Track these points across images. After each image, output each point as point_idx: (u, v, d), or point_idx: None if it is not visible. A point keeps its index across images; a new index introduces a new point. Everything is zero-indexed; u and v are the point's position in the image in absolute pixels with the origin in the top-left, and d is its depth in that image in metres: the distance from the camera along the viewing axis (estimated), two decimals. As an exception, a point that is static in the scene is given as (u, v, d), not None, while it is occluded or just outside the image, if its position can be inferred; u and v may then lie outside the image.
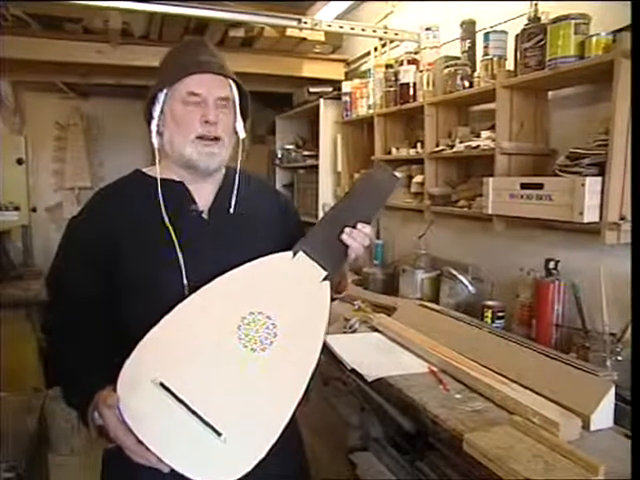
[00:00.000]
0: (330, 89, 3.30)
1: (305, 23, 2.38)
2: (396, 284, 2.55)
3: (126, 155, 4.38)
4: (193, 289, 1.06)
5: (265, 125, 4.38)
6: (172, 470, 0.93)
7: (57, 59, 2.90)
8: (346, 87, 2.97)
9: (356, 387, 1.68)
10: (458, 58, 2.12)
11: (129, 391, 0.96)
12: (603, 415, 1.26)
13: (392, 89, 2.51)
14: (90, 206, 1.19)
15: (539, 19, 1.68)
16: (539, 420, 1.24)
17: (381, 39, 2.79)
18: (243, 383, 1.00)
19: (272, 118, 4.11)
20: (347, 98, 2.96)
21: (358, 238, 1.11)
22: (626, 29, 1.42)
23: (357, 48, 3.26)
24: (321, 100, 3.25)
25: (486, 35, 1.95)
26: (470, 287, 2.10)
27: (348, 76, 3.36)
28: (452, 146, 2.12)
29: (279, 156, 3.98)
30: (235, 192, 1.22)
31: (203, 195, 1.20)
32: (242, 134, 1.23)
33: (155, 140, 1.17)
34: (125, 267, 1.12)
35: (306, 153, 3.65)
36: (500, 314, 1.89)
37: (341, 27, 2.46)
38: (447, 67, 2.09)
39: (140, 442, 0.93)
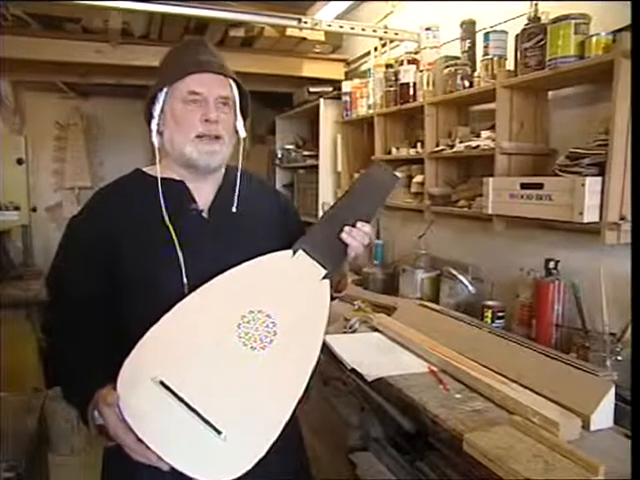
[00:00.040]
0: (330, 89, 3.30)
1: (305, 23, 2.38)
2: (396, 284, 2.55)
3: (126, 155, 4.38)
4: (193, 288, 1.07)
5: (265, 125, 4.38)
6: (172, 468, 0.93)
7: (57, 59, 2.90)
8: (346, 87, 2.97)
9: (356, 387, 1.68)
10: (458, 58, 2.12)
11: (129, 389, 0.96)
12: (603, 415, 1.26)
13: (392, 89, 2.51)
14: (90, 206, 1.19)
15: (539, 19, 1.68)
16: (539, 420, 1.24)
17: (381, 39, 2.79)
18: (243, 381, 1.00)
19: (272, 118, 4.11)
20: (347, 98, 2.96)
21: (358, 237, 1.11)
22: (626, 29, 1.42)
23: (357, 48, 3.26)
24: (321, 100, 3.25)
25: (486, 35, 1.95)
26: (470, 287, 2.10)
27: (348, 76, 3.36)
28: (452, 146, 2.12)
29: (279, 156, 3.98)
30: (237, 191, 1.22)
31: (203, 194, 1.20)
32: (242, 133, 1.23)
33: (155, 139, 1.17)
34: (125, 266, 1.12)
35: (306, 153, 3.65)
36: (500, 314, 1.89)
37: (341, 27, 2.46)
38: (447, 67, 2.09)
39: (140, 440, 0.93)
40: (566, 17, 1.53)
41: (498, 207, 1.78)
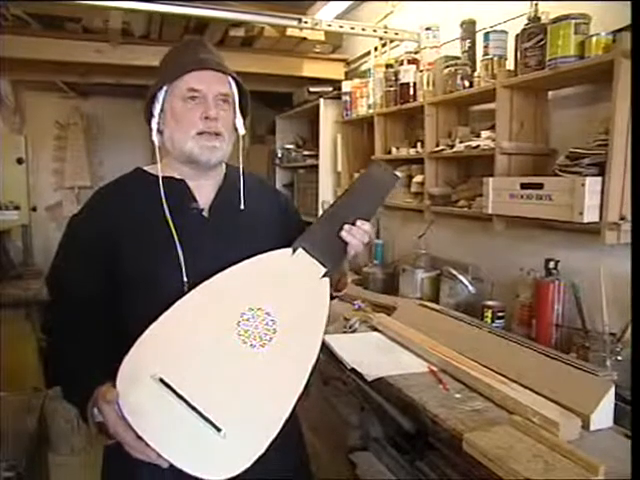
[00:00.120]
0: (330, 89, 3.30)
1: (305, 23, 2.38)
2: (396, 284, 2.55)
3: (126, 154, 4.38)
4: (193, 286, 1.07)
5: (265, 125, 4.39)
6: (171, 466, 0.93)
7: (57, 58, 2.90)
8: (346, 87, 2.97)
9: (356, 387, 1.68)
10: (458, 58, 2.12)
11: (128, 387, 0.96)
12: (603, 415, 1.26)
13: (392, 89, 2.51)
14: (90, 205, 1.20)
15: (539, 19, 1.68)
16: (539, 420, 1.24)
17: (381, 39, 2.79)
18: (243, 379, 1.00)
19: (272, 118, 4.11)
20: (347, 98, 2.96)
21: (357, 235, 1.11)
22: (626, 29, 1.42)
23: (357, 48, 3.27)
24: (321, 100, 3.26)
25: (486, 35, 1.95)
26: (470, 287, 2.10)
27: (348, 76, 3.36)
28: (452, 146, 2.12)
29: (279, 156, 3.98)
30: (238, 190, 1.23)
31: (204, 193, 1.20)
32: (242, 130, 1.23)
33: (156, 138, 1.17)
34: (125, 265, 1.12)
35: (306, 153, 3.65)
36: (500, 314, 1.89)
37: (341, 27, 2.46)
38: (447, 67, 2.09)
39: (140, 438, 0.93)
40: (566, 17, 1.53)
41: (498, 207, 1.78)
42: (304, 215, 1.48)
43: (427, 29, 2.39)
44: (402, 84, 2.41)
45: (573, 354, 1.55)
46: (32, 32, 2.79)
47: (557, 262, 1.71)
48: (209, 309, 1.04)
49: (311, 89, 3.38)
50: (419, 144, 2.36)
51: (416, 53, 2.46)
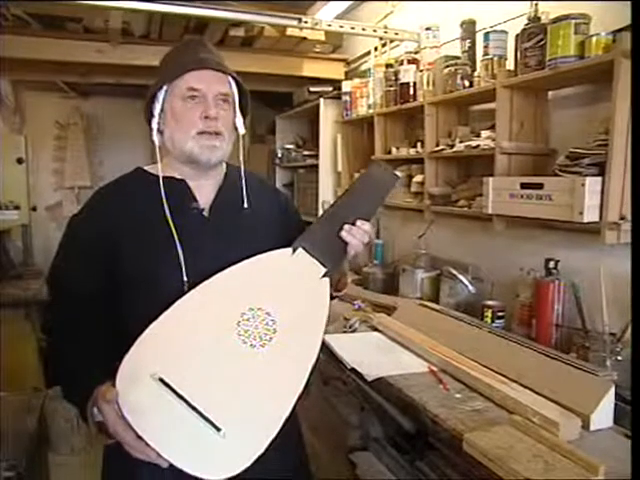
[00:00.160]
0: (330, 89, 3.30)
1: (305, 23, 2.38)
2: (396, 284, 2.55)
3: (126, 154, 4.39)
4: (193, 286, 1.07)
5: (265, 124, 4.39)
6: (171, 465, 0.93)
7: (57, 58, 2.90)
8: (346, 87, 2.97)
9: (356, 387, 1.68)
10: (458, 58, 2.12)
11: (128, 386, 0.96)
12: (603, 415, 1.26)
13: (392, 89, 2.51)
14: (91, 204, 1.20)
15: (539, 19, 1.68)
16: (539, 420, 1.24)
17: (381, 39, 2.79)
18: (242, 379, 1.00)
19: (272, 117, 4.11)
20: (347, 98, 2.96)
21: (357, 235, 1.11)
22: (626, 29, 1.42)
23: (357, 48, 3.27)
24: (321, 100, 3.26)
25: (486, 35, 1.95)
26: (470, 287, 2.10)
27: (348, 76, 3.36)
28: (452, 146, 2.12)
29: (279, 155, 3.98)
30: (239, 190, 1.23)
31: (204, 193, 1.20)
32: (242, 130, 1.23)
33: (156, 138, 1.17)
34: (125, 264, 1.12)
35: (306, 153, 3.65)
36: (500, 314, 1.89)
37: (341, 27, 2.46)
38: (447, 67, 2.09)
39: (139, 437, 0.93)
40: (566, 17, 1.53)
41: (498, 207, 1.78)
42: (304, 215, 1.48)
43: (427, 29, 2.39)
44: (402, 84, 2.41)
45: (573, 354, 1.55)
46: (32, 32, 2.79)
47: (557, 262, 1.71)
48: (209, 309, 1.04)
49: (311, 89, 3.38)
50: (419, 144, 2.36)
51: (416, 53, 2.46)
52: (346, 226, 1.11)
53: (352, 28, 2.50)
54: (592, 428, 1.25)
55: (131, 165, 1.26)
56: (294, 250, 1.11)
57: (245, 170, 1.27)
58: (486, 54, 1.94)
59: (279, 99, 3.88)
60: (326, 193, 3.34)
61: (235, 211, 1.21)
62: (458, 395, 1.45)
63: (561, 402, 1.30)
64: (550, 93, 1.85)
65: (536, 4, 1.69)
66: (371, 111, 2.74)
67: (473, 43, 2.09)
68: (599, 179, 1.46)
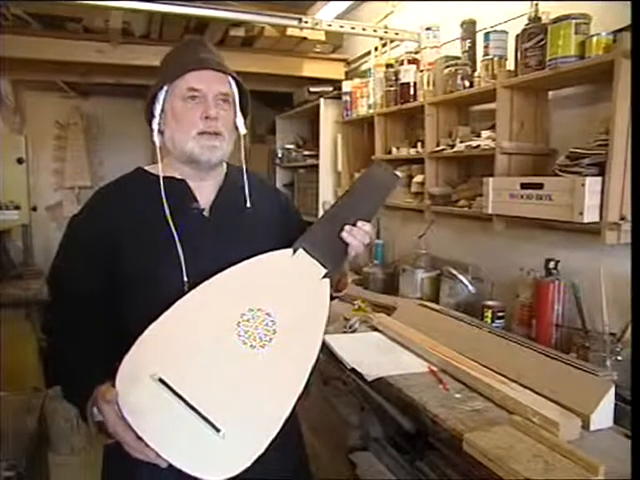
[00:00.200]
0: (330, 89, 3.30)
1: (306, 23, 2.38)
2: (396, 284, 2.55)
3: (126, 154, 4.38)
4: (193, 286, 1.07)
5: (265, 125, 4.39)
6: (171, 465, 0.93)
7: (57, 58, 2.90)
8: (346, 87, 2.97)
9: (356, 387, 1.68)
10: (458, 58, 2.12)
11: (128, 386, 0.96)
12: (603, 415, 1.26)
13: (392, 89, 2.51)
14: (91, 204, 1.20)
15: (539, 19, 1.68)
16: (539, 420, 1.24)
17: (381, 39, 2.79)
18: (242, 379, 1.00)
19: (272, 118, 4.11)
20: (347, 98, 2.96)
21: (358, 236, 1.11)
22: (626, 29, 1.42)
23: (357, 48, 3.27)
24: (321, 100, 3.25)
25: (486, 35, 1.95)
26: (470, 287, 2.10)
27: (348, 76, 3.36)
28: (452, 146, 2.12)
29: (279, 155, 3.98)
30: (239, 190, 1.23)
31: (204, 193, 1.20)
32: (243, 130, 1.23)
33: (157, 138, 1.17)
34: (126, 264, 1.12)
35: (306, 153, 3.65)
36: (500, 314, 1.89)
37: (341, 27, 2.46)
38: (447, 67, 2.09)
39: (139, 438, 0.93)
40: (566, 17, 1.53)
41: (498, 207, 1.78)
42: (304, 215, 1.48)
43: (427, 29, 2.39)
44: (402, 84, 2.41)
45: (573, 354, 1.55)
46: (32, 32, 2.79)
47: (557, 262, 1.71)
48: (209, 309, 1.04)
49: (311, 89, 3.38)
50: (419, 144, 2.36)
51: (416, 53, 2.46)
52: (347, 227, 1.11)
53: (352, 28, 2.50)
54: (592, 428, 1.25)
55: (131, 165, 1.26)
56: (294, 251, 1.11)
57: (246, 170, 1.27)
58: (486, 54, 1.94)
59: (279, 99, 3.88)
60: (326, 193, 3.34)
61: (235, 211, 1.21)
62: (458, 395, 1.45)
63: (561, 402, 1.30)
64: (550, 93, 1.85)
65: (536, 4, 1.69)
66: (371, 111, 2.73)
67: (473, 43, 2.09)
68: (599, 179, 1.46)
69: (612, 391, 1.27)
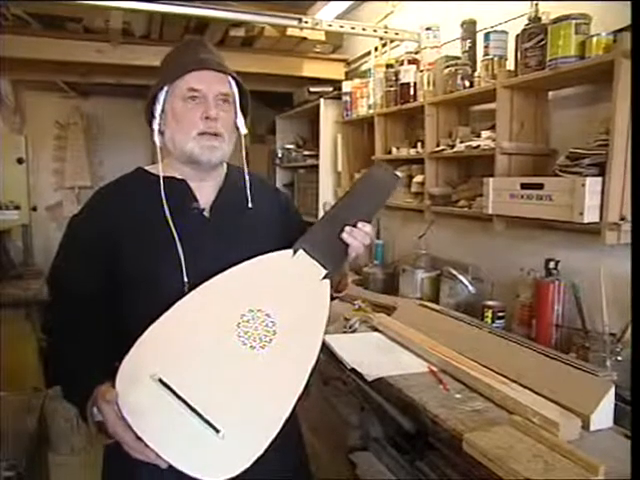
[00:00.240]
0: (330, 89, 3.30)
1: (306, 23, 2.38)
2: (396, 284, 2.55)
3: (126, 154, 4.39)
4: (193, 287, 1.07)
5: (265, 125, 4.38)
6: (171, 466, 0.93)
7: (57, 58, 2.90)
8: (346, 87, 2.97)
9: (356, 387, 1.68)
10: (458, 58, 2.12)
11: (128, 387, 0.96)
12: (603, 415, 1.26)
13: (392, 89, 2.51)
14: (91, 204, 1.20)
15: (540, 19, 1.68)
16: (539, 420, 1.24)
17: (381, 39, 2.79)
18: (242, 380, 1.00)
19: (272, 118, 4.11)
20: (347, 98, 2.96)
21: (358, 237, 1.11)
22: (626, 29, 1.42)
23: (357, 48, 3.27)
24: (321, 100, 3.25)
25: (486, 35, 1.95)
26: (470, 287, 2.10)
27: (348, 76, 3.36)
28: (452, 146, 2.12)
29: (279, 156, 3.98)
30: (240, 190, 1.23)
31: (205, 193, 1.20)
32: (243, 130, 1.23)
33: (157, 139, 1.17)
34: (126, 265, 1.12)
35: (306, 153, 3.65)
36: (500, 314, 1.89)
37: (341, 27, 2.46)
38: (447, 67, 2.09)
39: (139, 438, 0.93)
40: (567, 17, 1.53)
41: (498, 207, 1.78)
42: (304, 215, 1.48)
43: (427, 29, 2.39)
44: (402, 84, 2.41)
45: (573, 354, 1.55)
46: (32, 32, 2.79)
47: (557, 262, 1.71)
48: (209, 310, 1.04)
49: (311, 89, 3.38)
50: (419, 144, 2.36)
51: (416, 53, 2.46)
52: (347, 228, 1.11)
53: (352, 28, 2.50)
54: (592, 428, 1.25)
55: (131, 165, 1.26)
56: (295, 251, 1.11)
57: (247, 170, 1.27)
58: (486, 54, 1.94)
59: (279, 99, 3.88)
60: (326, 193, 3.34)
61: (236, 211, 1.21)
62: (458, 395, 1.45)
63: (561, 402, 1.30)
64: (550, 93, 1.85)
65: (536, 4, 1.69)
66: (371, 111, 2.73)
67: (473, 43, 2.09)
68: (599, 179, 1.46)
69: (612, 391, 1.27)
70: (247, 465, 0.94)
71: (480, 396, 1.44)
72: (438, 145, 2.21)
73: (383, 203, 1.23)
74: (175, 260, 1.10)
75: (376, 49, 2.90)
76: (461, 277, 2.11)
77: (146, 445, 0.93)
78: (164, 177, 1.17)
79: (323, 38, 3.12)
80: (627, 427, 1.25)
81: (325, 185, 3.35)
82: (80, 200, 4.33)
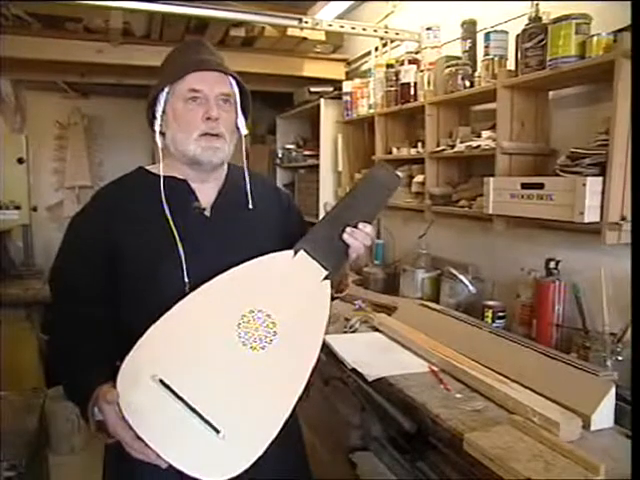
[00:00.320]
0: (331, 89, 3.30)
1: (306, 23, 2.38)
2: (397, 284, 2.55)
3: (126, 154, 4.38)
4: (194, 286, 1.07)
5: (266, 125, 4.38)
6: (171, 466, 0.93)
7: (58, 58, 2.90)
8: (347, 87, 2.97)
9: (357, 387, 1.68)
10: (459, 58, 2.12)
11: (129, 387, 0.96)
12: (603, 415, 1.26)
13: (393, 89, 2.51)
14: (92, 204, 1.20)
15: (540, 19, 1.68)
16: (539, 420, 1.24)
17: (382, 39, 2.79)
18: (242, 381, 1.00)
19: (273, 118, 4.11)
20: (348, 98, 2.96)
21: (359, 237, 1.11)
22: (626, 29, 1.42)
23: (358, 48, 3.27)
24: (322, 100, 3.25)
25: (487, 35, 1.95)
26: (470, 287, 2.10)
27: (349, 76, 3.36)
28: (453, 146, 2.12)
29: (280, 156, 3.98)
30: (241, 190, 1.23)
31: (206, 193, 1.20)
32: (244, 131, 1.23)
33: (158, 140, 1.17)
34: (126, 264, 1.12)
35: (307, 153, 3.65)
36: (501, 314, 1.89)
37: (342, 27, 2.46)
38: (448, 67, 2.09)
39: (139, 438, 0.93)
40: (567, 17, 1.53)
41: (499, 207, 1.78)
42: (305, 215, 1.48)
43: (428, 29, 2.39)
44: (403, 84, 2.41)
45: (574, 354, 1.55)
46: (33, 32, 2.79)
47: (558, 262, 1.71)
48: (210, 311, 1.04)
49: (312, 89, 3.37)
50: (420, 144, 2.36)
51: (417, 53, 2.46)
52: (348, 229, 1.11)
53: (353, 28, 2.50)
54: (593, 428, 1.25)
55: (131, 165, 1.26)
56: (296, 252, 1.11)
57: (247, 170, 1.27)
58: (487, 54, 1.94)
59: (280, 99, 3.88)
60: (327, 193, 3.34)
61: (236, 211, 1.21)
62: (458, 395, 1.45)
63: (561, 402, 1.30)
64: (551, 93, 1.85)
65: (537, 4, 1.69)
66: (372, 111, 2.73)
67: (474, 43, 2.09)
68: (600, 179, 1.46)
69: (613, 391, 1.27)
70: (247, 465, 0.94)
71: (480, 396, 1.44)
72: (438, 145, 2.21)
73: (384, 204, 1.22)
74: (176, 260, 1.10)
75: (376, 49, 2.90)
76: (461, 277, 2.11)
77: (146, 445, 0.93)
78: (165, 177, 1.17)
79: (323, 38, 3.12)
80: (628, 427, 1.25)
81: (325, 185, 3.35)
82: (80, 200, 4.32)
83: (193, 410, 0.95)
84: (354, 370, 1.65)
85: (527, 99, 1.82)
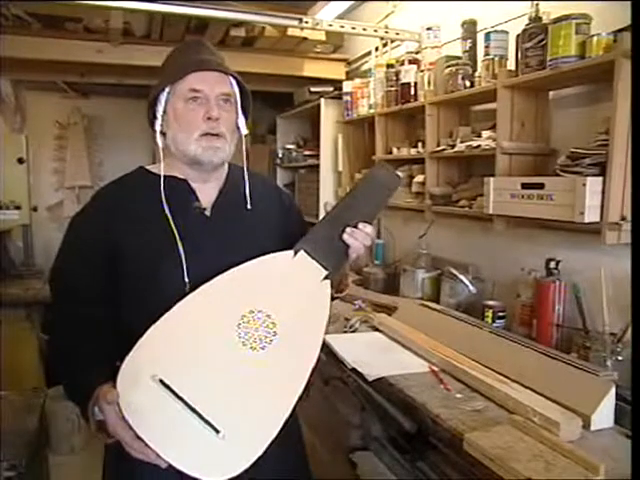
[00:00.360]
0: (331, 89, 3.30)
1: (306, 23, 2.38)
2: (397, 284, 2.55)
3: (126, 154, 4.38)
4: (194, 286, 1.07)
5: (266, 125, 4.38)
6: (171, 466, 0.93)
7: (58, 58, 2.90)
8: (347, 87, 2.97)
9: (357, 387, 1.68)
10: (459, 58, 2.12)
11: (129, 387, 0.96)
12: (604, 415, 1.26)
13: (393, 89, 2.51)
14: (92, 204, 1.20)
15: (540, 19, 1.68)
16: (539, 420, 1.24)
17: (382, 39, 2.79)
18: (242, 381, 1.00)
19: (273, 118, 4.11)
20: (348, 98, 2.96)
21: (359, 238, 1.11)
22: (626, 29, 1.42)
23: (358, 48, 3.27)
24: (322, 100, 3.25)
25: (487, 35, 1.95)
26: (471, 287, 2.10)
27: (349, 76, 3.36)
28: (453, 146, 2.12)
29: (280, 156, 3.98)
30: (241, 190, 1.23)
31: (206, 193, 1.20)
32: (244, 130, 1.23)
33: (159, 140, 1.17)
34: (127, 263, 1.12)
35: (307, 153, 3.65)
36: (501, 314, 1.89)
37: (342, 27, 2.46)
38: (448, 67, 2.09)
39: (139, 438, 0.93)
40: (567, 17, 1.53)
41: (499, 207, 1.78)
42: (305, 215, 1.48)
43: (428, 29, 2.39)
44: (403, 84, 2.41)
45: (574, 354, 1.55)
46: (33, 32, 2.79)
47: (558, 262, 1.71)
48: (210, 311, 1.04)
49: (312, 89, 3.37)
50: (420, 144, 2.36)
51: (417, 53, 2.46)
52: (348, 229, 1.11)
53: (353, 28, 2.50)
54: (593, 428, 1.25)
55: (131, 165, 1.26)
56: (296, 252, 1.11)
57: (248, 170, 1.27)
58: (487, 54, 1.94)
59: (280, 99, 3.88)
60: (327, 193, 3.34)
61: (237, 211, 1.21)
62: (459, 395, 1.45)
63: (562, 402, 1.30)
64: (551, 93, 1.85)
65: (537, 4, 1.69)
66: (372, 111, 2.73)
67: (474, 43, 2.09)
68: (600, 179, 1.46)
69: (613, 391, 1.27)
70: (247, 465, 0.94)
71: (481, 396, 1.44)
72: (439, 145, 2.21)
73: (384, 204, 1.23)
74: (176, 260, 1.10)
75: (377, 49, 2.90)
76: (462, 277, 2.11)
77: (146, 445, 0.93)
78: (165, 176, 1.17)
79: (324, 38, 3.12)
80: (628, 427, 1.25)
81: (326, 185, 3.35)
82: (80, 200, 4.32)
83: (193, 410, 0.95)
84: (354, 370, 1.65)
85: (527, 99, 1.82)
